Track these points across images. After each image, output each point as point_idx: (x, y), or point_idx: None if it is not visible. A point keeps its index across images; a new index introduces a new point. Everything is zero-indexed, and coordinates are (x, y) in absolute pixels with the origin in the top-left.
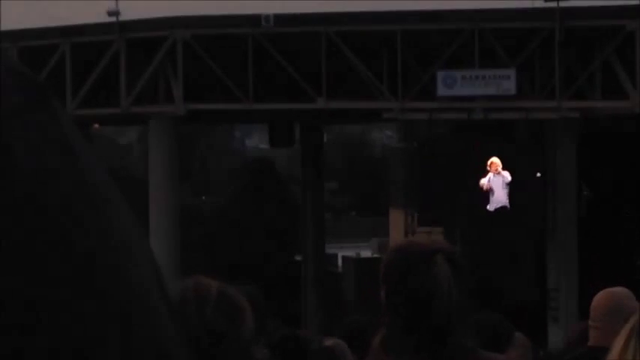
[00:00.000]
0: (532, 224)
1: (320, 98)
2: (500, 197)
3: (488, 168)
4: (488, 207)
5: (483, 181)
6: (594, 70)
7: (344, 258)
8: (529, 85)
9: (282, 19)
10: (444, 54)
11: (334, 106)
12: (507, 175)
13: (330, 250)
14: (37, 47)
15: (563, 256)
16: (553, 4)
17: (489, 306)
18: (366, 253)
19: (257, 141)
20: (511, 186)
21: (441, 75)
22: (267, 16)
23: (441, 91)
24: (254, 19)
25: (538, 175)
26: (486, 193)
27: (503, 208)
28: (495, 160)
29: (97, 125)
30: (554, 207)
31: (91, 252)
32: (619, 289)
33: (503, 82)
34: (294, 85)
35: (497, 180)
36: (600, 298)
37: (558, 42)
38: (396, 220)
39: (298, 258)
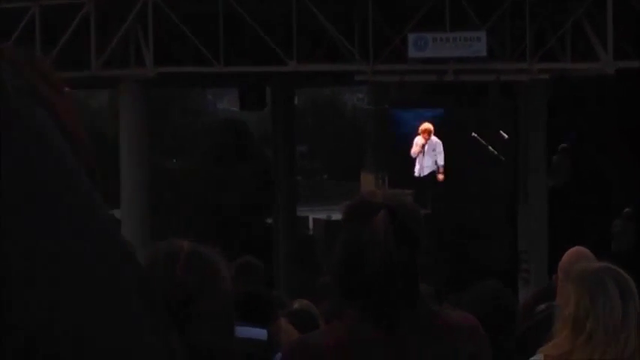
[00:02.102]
0: (503, 186)
1: (291, 61)
2: (425, 164)
3: (420, 133)
4: (415, 173)
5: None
6: (565, 32)
7: (315, 220)
8: (500, 47)
9: None
10: (414, 16)
11: (305, 69)
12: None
13: (301, 212)
14: (5, 10)
15: (533, 218)
16: None
17: (461, 269)
18: (337, 216)
19: (228, 104)
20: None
21: (412, 37)
22: None
23: (412, 53)
24: None
25: (503, 134)
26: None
27: (431, 174)
28: (427, 125)
29: (67, 88)
30: (525, 169)
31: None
32: (584, 249)
33: (474, 44)
34: (265, 48)
35: (427, 147)
36: (577, 257)
37: (529, 3)
38: (367, 182)
39: (269, 221)
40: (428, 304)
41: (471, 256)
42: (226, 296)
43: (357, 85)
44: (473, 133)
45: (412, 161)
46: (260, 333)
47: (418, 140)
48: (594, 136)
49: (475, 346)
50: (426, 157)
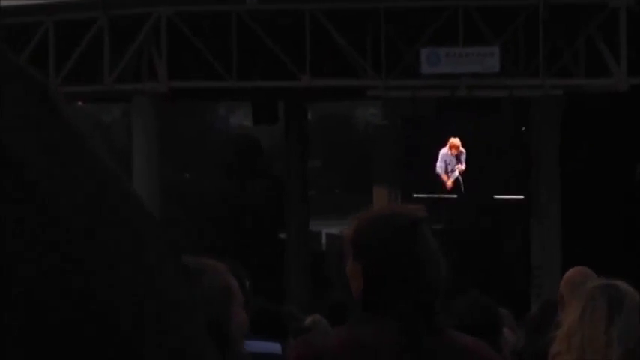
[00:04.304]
0: (516, 202)
1: (304, 76)
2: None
3: (449, 150)
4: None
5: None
6: (578, 48)
7: (328, 235)
8: (513, 62)
9: None
10: (427, 31)
11: (318, 84)
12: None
13: (314, 227)
14: (19, 24)
15: (546, 233)
16: None
17: (473, 284)
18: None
19: (241, 118)
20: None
21: (424, 52)
22: None
23: (425, 68)
24: None
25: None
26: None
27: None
28: (455, 141)
29: (80, 102)
30: (537, 184)
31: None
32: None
33: (487, 59)
34: (278, 63)
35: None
36: (579, 276)
37: (542, 19)
38: (380, 197)
39: (282, 235)
40: (443, 321)
41: (485, 271)
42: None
43: (370, 100)
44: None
45: (424, 176)
46: (274, 347)
47: (447, 158)
48: (607, 152)
49: None
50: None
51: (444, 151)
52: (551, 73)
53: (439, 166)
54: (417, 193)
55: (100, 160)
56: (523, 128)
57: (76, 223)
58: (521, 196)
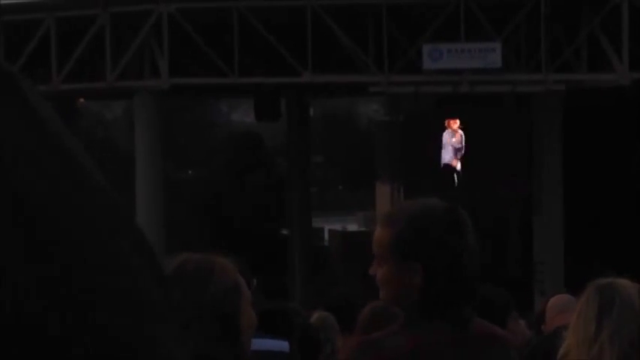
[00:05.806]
0: (518, 197)
1: (306, 72)
2: (447, 157)
3: (447, 125)
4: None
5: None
6: (580, 43)
7: (330, 231)
8: (515, 58)
9: None
10: (429, 27)
11: (320, 80)
12: (458, 139)
13: (316, 223)
14: (21, 22)
15: (548, 228)
16: None
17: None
18: (353, 227)
19: (243, 115)
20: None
21: (427, 48)
22: None
23: (427, 64)
24: None
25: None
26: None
27: (451, 169)
28: (453, 120)
29: (82, 100)
30: (539, 179)
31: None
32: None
33: (489, 55)
34: (280, 59)
35: (451, 139)
36: (560, 304)
37: (544, 14)
38: (382, 193)
39: (284, 232)
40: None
41: (488, 267)
42: (212, 305)
43: (372, 96)
44: None
45: (428, 172)
46: (282, 345)
47: (451, 142)
48: (610, 147)
49: (515, 355)
50: (448, 151)
51: (446, 136)
52: (554, 69)
53: (445, 156)
54: (419, 189)
55: (72, 157)
56: (525, 123)
57: (48, 224)
58: (524, 192)
